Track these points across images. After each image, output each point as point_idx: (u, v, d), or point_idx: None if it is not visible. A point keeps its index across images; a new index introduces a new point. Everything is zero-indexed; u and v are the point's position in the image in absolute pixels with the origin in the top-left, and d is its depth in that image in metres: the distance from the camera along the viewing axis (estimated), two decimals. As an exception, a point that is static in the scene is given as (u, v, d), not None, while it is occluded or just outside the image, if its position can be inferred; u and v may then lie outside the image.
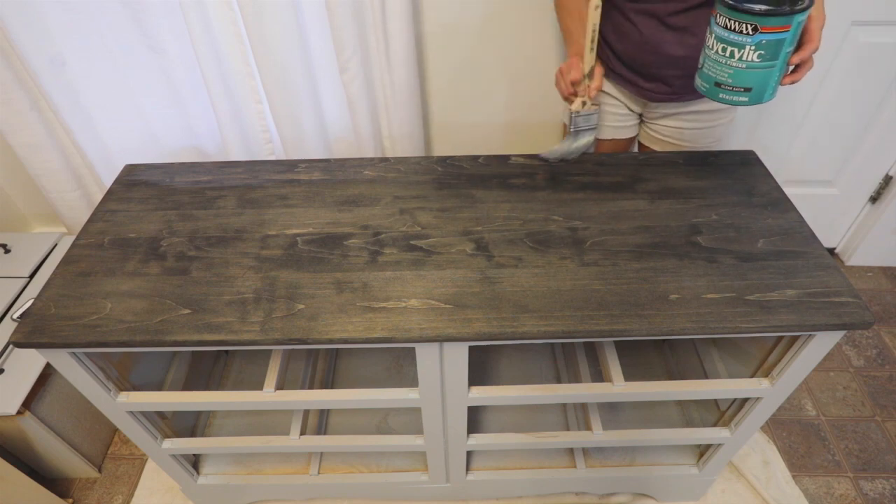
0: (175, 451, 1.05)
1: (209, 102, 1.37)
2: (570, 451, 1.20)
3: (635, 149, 1.31)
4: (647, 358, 1.35)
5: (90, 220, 0.93)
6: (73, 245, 0.89)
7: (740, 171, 1.00)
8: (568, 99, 0.99)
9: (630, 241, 0.87)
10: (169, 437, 1.04)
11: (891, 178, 1.61)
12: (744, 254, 0.84)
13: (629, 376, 0.90)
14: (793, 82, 0.79)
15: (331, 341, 0.75)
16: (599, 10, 0.90)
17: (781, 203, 0.93)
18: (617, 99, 1.16)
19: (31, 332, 0.76)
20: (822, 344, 0.81)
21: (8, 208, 1.69)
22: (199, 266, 0.85)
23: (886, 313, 1.67)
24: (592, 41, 0.92)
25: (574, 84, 0.96)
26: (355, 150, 1.48)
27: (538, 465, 1.18)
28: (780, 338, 0.87)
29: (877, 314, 1.67)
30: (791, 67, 0.78)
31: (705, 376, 1.15)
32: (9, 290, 1.30)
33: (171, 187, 1.00)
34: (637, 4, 0.98)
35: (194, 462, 1.18)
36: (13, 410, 1.09)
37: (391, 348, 1.36)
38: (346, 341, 0.75)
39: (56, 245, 1.43)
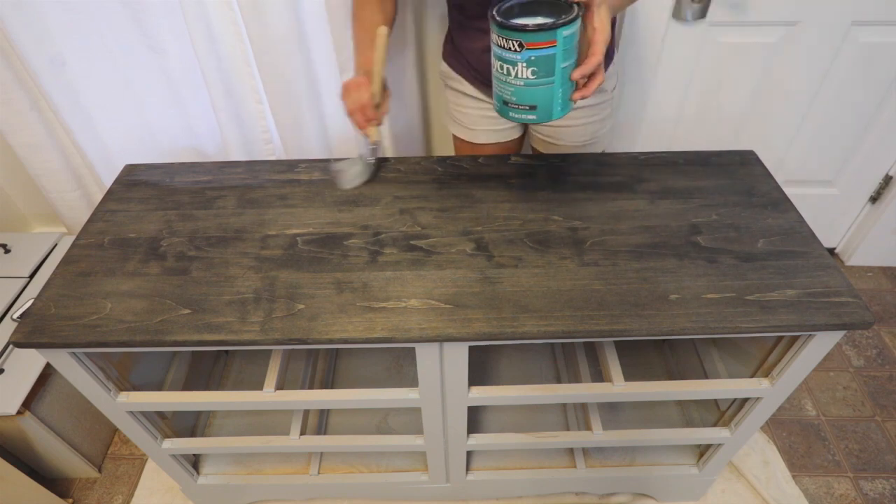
0: (175, 451, 1.05)
1: (209, 102, 1.37)
2: (570, 451, 1.20)
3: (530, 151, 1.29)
4: (647, 358, 1.35)
5: (90, 220, 0.93)
6: (73, 245, 0.89)
7: (740, 171, 1.00)
8: (359, 123, 0.93)
9: (630, 241, 0.87)
10: (169, 437, 1.04)
11: (891, 178, 1.61)
12: (744, 254, 0.84)
13: (629, 376, 0.90)
14: (583, 97, 0.75)
15: (331, 341, 0.75)
16: (385, 42, 0.88)
17: (781, 203, 0.93)
18: (485, 101, 1.13)
19: (31, 332, 0.76)
20: (822, 344, 0.81)
21: (8, 208, 1.69)
22: (199, 266, 0.85)
23: (886, 313, 1.67)
24: (380, 71, 0.90)
25: (363, 109, 0.91)
26: (355, 150, 1.48)
27: (538, 465, 1.18)
28: (780, 338, 0.87)
29: (877, 314, 1.67)
30: (583, 81, 0.74)
31: (705, 376, 1.15)
32: (9, 290, 1.30)
33: (171, 187, 1.00)
34: (470, 20, 0.98)
35: (194, 462, 1.18)
36: (13, 410, 1.09)
37: (391, 348, 1.36)
38: (346, 341, 0.75)
39: (56, 245, 1.43)
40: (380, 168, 1.02)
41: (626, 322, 0.75)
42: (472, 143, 1.20)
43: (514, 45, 0.69)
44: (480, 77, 1.08)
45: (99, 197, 1.52)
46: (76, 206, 1.53)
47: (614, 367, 0.92)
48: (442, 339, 0.76)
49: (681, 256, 0.84)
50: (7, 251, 1.40)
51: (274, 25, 1.22)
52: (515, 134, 1.20)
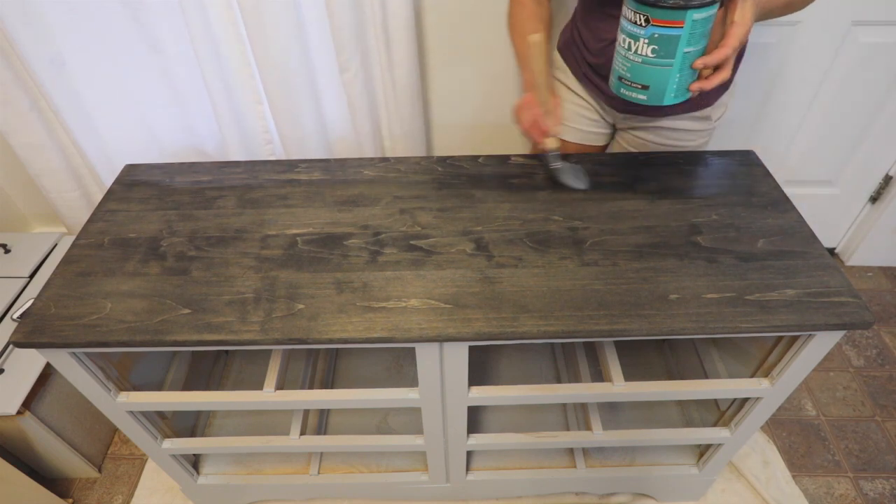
0: (175, 451, 1.05)
1: (209, 102, 1.37)
2: (570, 451, 1.20)
3: None
4: (647, 358, 1.35)
5: (90, 220, 0.93)
6: (73, 245, 0.89)
7: (740, 171, 1.00)
8: (536, 139, 0.94)
9: (630, 241, 0.87)
10: (169, 437, 1.04)
11: (891, 178, 1.61)
12: (744, 254, 0.84)
13: (629, 376, 0.90)
14: (700, 90, 0.73)
15: (331, 341, 0.75)
16: (542, 48, 0.85)
17: (781, 203, 0.93)
18: (587, 102, 1.12)
19: (31, 332, 0.76)
20: (822, 344, 0.81)
21: (8, 208, 1.69)
22: (199, 266, 0.85)
23: (886, 313, 1.67)
24: (544, 80, 0.88)
25: (536, 124, 0.91)
26: (355, 150, 1.48)
27: (538, 465, 1.18)
28: (780, 338, 0.87)
29: (877, 314, 1.67)
30: (708, 72, 0.72)
31: (705, 376, 1.15)
32: (9, 290, 1.30)
33: (171, 187, 1.00)
34: (609, 10, 0.94)
35: (194, 462, 1.18)
36: (13, 410, 1.09)
37: (391, 348, 1.36)
38: (346, 341, 0.75)
39: (56, 245, 1.43)
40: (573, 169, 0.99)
41: (626, 322, 0.75)
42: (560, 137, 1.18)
43: (640, 19, 0.68)
44: (592, 73, 1.05)
45: (99, 197, 1.52)
46: (76, 206, 1.53)
47: (614, 367, 0.92)
48: (442, 338, 0.76)
49: (681, 256, 0.84)
50: (7, 251, 1.40)
51: (274, 25, 1.22)
52: (601, 141, 1.18)
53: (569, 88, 1.13)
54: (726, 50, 0.69)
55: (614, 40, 0.91)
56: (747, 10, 0.68)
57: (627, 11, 0.70)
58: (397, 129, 1.43)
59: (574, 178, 0.97)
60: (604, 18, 0.97)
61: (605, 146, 1.21)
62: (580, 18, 1.05)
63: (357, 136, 1.44)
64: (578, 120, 1.15)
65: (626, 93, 0.76)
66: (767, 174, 0.99)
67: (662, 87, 0.73)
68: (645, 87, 0.74)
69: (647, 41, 0.69)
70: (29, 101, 1.31)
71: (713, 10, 0.67)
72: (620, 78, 0.76)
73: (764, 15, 0.77)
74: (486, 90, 1.47)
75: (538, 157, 1.04)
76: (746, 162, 1.02)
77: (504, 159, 1.04)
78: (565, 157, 0.98)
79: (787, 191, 0.98)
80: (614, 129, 1.18)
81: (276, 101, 1.36)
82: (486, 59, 1.41)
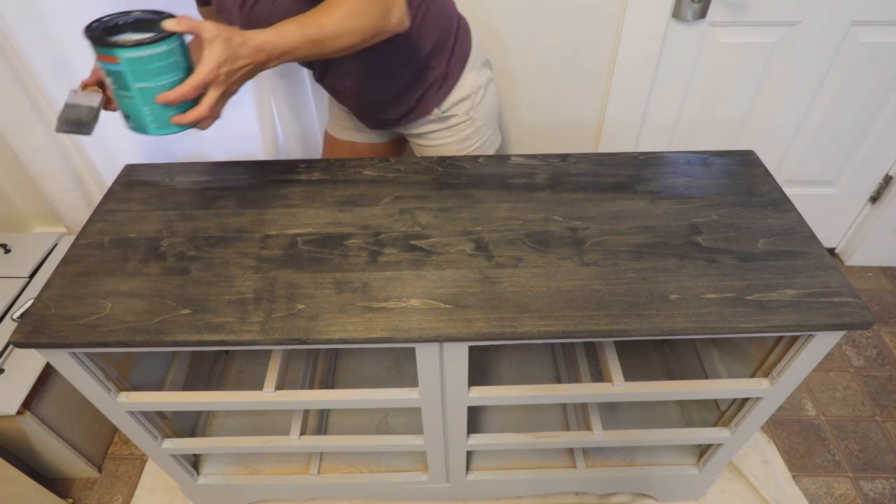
0: (175, 451, 1.05)
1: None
2: (570, 451, 1.20)
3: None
4: (647, 358, 1.35)
5: (90, 220, 0.93)
6: (73, 245, 0.89)
7: (740, 171, 1.00)
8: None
9: (630, 241, 0.87)
10: (169, 437, 1.04)
11: (891, 178, 1.61)
12: (744, 254, 0.84)
13: (629, 376, 0.90)
14: (180, 123, 0.75)
15: (331, 341, 0.75)
16: None
17: (781, 203, 0.93)
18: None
19: (31, 332, 0.76)
20: (822, 344, 0.81)
21: (8, 208, 1.69)
22: (199, 266, 0.85)
23: (886, 313, 1.67)
24: None
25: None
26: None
27: (538, 465, 1.18)
28: (780, 338, 0.87)
29: (877, 314, 1.67)
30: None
31: (705, 376, 1.15)
32: (9, 290, 1.30)
33: (171, 187, 1.00)
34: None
35: (194, 462, 1.18)
36: (13, 410, 1.09)
37: (391, 348, 1.36)
38: (346, 341, 0.75)
39: (56, 245, 1.43)
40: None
41: (626, 322, 0.75)
42: (354, 142, 1.26)
43: (94, 52, 0.71)
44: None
45: (99, 197, 1.52)
46: (76, 206, 1.53)
47: (614, 367, 0.92)
48: (442, 339, 0.76)
49: (681, 256, 0.84)
50: (7, 251, 1.40)
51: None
52: (387, 137, 1.25)
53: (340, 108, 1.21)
54: (184, 88, 0.71)
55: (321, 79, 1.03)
56: (214, 50, 0.70)
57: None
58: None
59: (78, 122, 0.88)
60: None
61: (392, 141, 1.28)
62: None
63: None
64: (349, 121, 1.22)
65: (129, 125, 0.78)
66: (767, 174, 0.99)
67: (139, 118, 0.76)
68: (126, 116, 0.77)
69: (105, 72, 0.72)
70: (29, 101, 1.31)
71: (159, 48, 0.70)
72: (125, 115, 0.78)
73: (282, 56, 0.77)
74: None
75: (536, 157, 1.04)
76: (746, 162, 1.02)
77: (504, 159, 1.04)
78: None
79: (787, 191, 0.98)
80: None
81: (276, 100, 1.36)
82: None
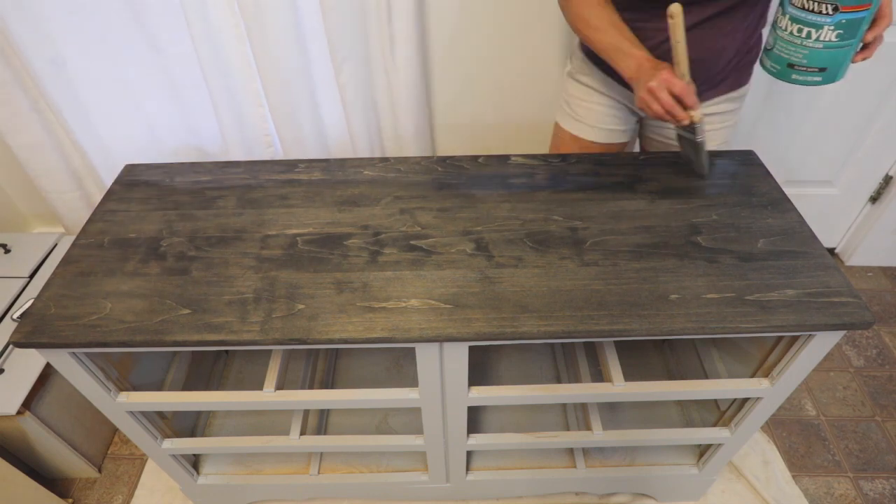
0: (175, 451, 1.05)
1: (210, 102, 1.37)
2: (570, 451, 1.20)
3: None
4: (647, 358, 1.35)
5: (90, 220, 0.93)
6: (73, 245, 0.89)
7: (740, 171, 1.00)
8: (680, 116, 0.86)
9: (630, 241, 0.87)
10: (169, 437, 1.04)
11: (891, 178, 1.61)
12: (744, 254, 0.84)
13: (629, 376, 0.90)
14: (864, 59, 0.78)
15: (331, 341, 0.75)
16: (679, 20, 0.80)
17: (781, 203, 0.93)
18: (616, 100, 1.10)
19: (31, 332, 0.76)
20: (822, 344, 0.81)
21: (8, 208, 1.69)
22: (199, 266, 0.85)
23: (886, 313, 1.67)
24: (684, 50, 0.83)
25: (684, 95, 0.84)
26: (353, 152, 1.48)
27: (538, 465, 1.18)
28: (780, 338, 0.87)
29: (877, 314, 1.67)
30: (861, 45, 0.78)
31: (705, 376, 1.15)
32: (9, 290, 1.30)
33: (171, 187, 1.00)
34: (652, 11, 0.91)
35: (194, 462, 1.18)
36: (13, 410, 1.09)
37: (391, 348, 1.36)
38: (346, 341, 0.75)
39: (56, 245, 1.43)
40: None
41: (626, 322, 0.75)
42: (586, 139, 1.17)
43: (825, 9, 0.72)
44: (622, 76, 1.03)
45: (99, 197, 1.52)
46: (76, 206, 1.53)
47: (614, 367, 0.92)
48: (442, 339, 0.76)
49: (681, 256, 0.84)
50: (7, 251, 1.40)
51: (274, 26, 1.22)
52: (627, 138, 1.18)
53: (597, 91, 1.11)
54: (887, 19, 0.75)
55: (662, 41, 0.91)
56: None
57: (805, 2, 0.73)
58: (403, 130, 1.43)
59: (705, 161, 0.95)
60: (649, 17, 0.93)
61: (627, 143, 1.20)
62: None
63: (352, 137, 1.44)
64: (609, 120, 1.13)
65: (798, 77, 0.79)
66: (767, 174, 0.99)
67: (838, 67, 0.77)
68: (822, 70, 0.78)
69: (832, 27, 0.73)
70: (29, 101, 1.31)
71: None
72: (791, 65, 0.79)
73: None
74: (487, 90, 1.47)
75: (536, 157, 1.04)
76: (746, 162, 1.02)
77: (504, 159, 1.04)
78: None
79: (787, 191, 0.98)
80: (638, 124, 1.17)
81: (276, 101, 1.36)
82: (487, 58, 1.41)
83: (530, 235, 0.88)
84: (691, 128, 0.89)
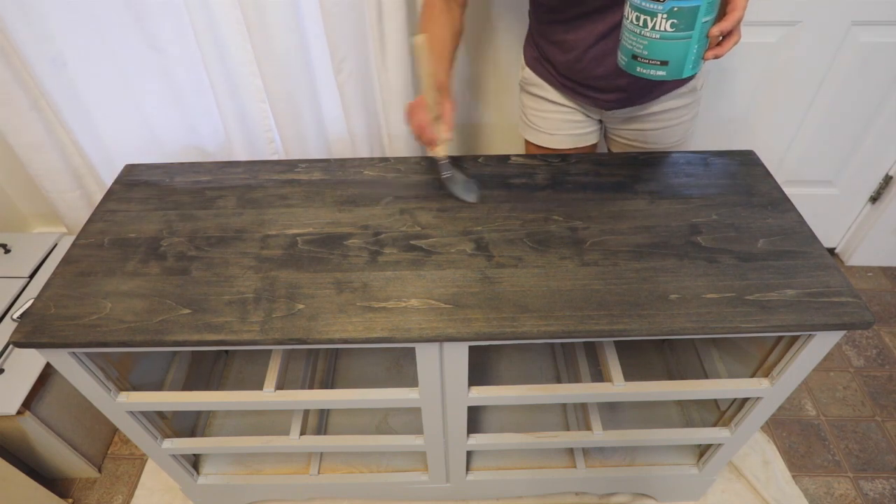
0: (175, 451, 1.05)
1: (212, 102, 1.37)
2: (570, 451, 1.20)
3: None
4: (647, 358, 1.35)
5: (90, 220, 0.93)
6: (73, 245, 0.89)
7: (740, 171, 1.00)
8: (427, 144, 0.90)
9: (630, 241, 0.87)
10: (169, 437, 1.04)
11: (891, 178, 1.61)
12: (744, 254, 0.84)
13: (629, 376, 0.90)
14: (716, 57, 0.73)
15: (331, 341, 0.75)
16: (425, 51, 0.81)
17: (781, 203, 0.93)
18: (569, 107, 1.11)
19: (31, 332, 0.76)
20: (822, 344, 0.81)
21: (8, 208, 1.69)
22: (199, 266, 0.85)
23: (886, 313, 1.67)
24: (431, 83, 0.84)
25: (424, 129, 0.87)
26: (354, 151, 1.48)
27: (538, 465, 1.18)
28: (780, 338, 0.87)
29: (877, 314, 1.67)
30: (717, 40, 0.73)
31: (705, 376, 1.15)
32: (9, 290, 1.30)
33: (171, 187, 1.00)
34: (571, 22, 0.94)
35: (194, 462, 1.18)
36: (13, 410, 1.09)
37: (391, 348, 1.36)
38: (346, 341, 0.75)
39: (56, 245, 1.43)
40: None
41: (626, 322, 0.75)
42: (549, 148, 1.18)
43: None
44: (568, 83, 1.06)
45: (99, 197, 1.52)
46: (76, 206, 1.53)
47: (614, 367, 0.92)
48: (442, 339, 0.76)
49: (681, 256, 0.84)
50: (7, 251, 1.40)
51: (275, 25, 1.22)
52: (593, 139, 1.18)
53: (550, 101, 1.12)
54: (739, 13, 0.70)
55: (587, 48, 0.92)
56: None
57: None
58: (395, 130, 1.43)
59: (464, 190, 0.95)
60: (567, 29, 0.96)
61: (597, 143, 1.21)
62: (539, 35, 1.04)
63: (351, 136, 1.44)
64: (566, 127, 1.14)
65: (643, 70, 0.75)
66: (767, 174, 0.99)
67: (681, 61, 0.72)
68: (664, 63, 0.73)
69: (665, 16, 0.69)
70: (29, 100, 1.31)
71: None
72: (635, 56, 0.74)
73: None
74: (487, 90, 1.47)
75: (536, 157, 1.04)
76: (746, 162, 1.02)
77: (504, 159, 1.04)
78: (456, 166, 0.97)
79: (787, 191, 0.98)
80: (601, 123, 1.17)
81: (277, 101, 1.36)
82: (486, 58, 1.41)
83: (530, 235, 0.88)
84: (437, 161, 0.92)
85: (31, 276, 1.35)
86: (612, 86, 1.01)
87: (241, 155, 1.45)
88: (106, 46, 1.27)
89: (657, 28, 0.70)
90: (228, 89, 1.33)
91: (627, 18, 0.73)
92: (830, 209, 1.72)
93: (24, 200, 1.70)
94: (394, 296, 0.79)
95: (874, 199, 1.67)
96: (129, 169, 1.04)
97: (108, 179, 1.43)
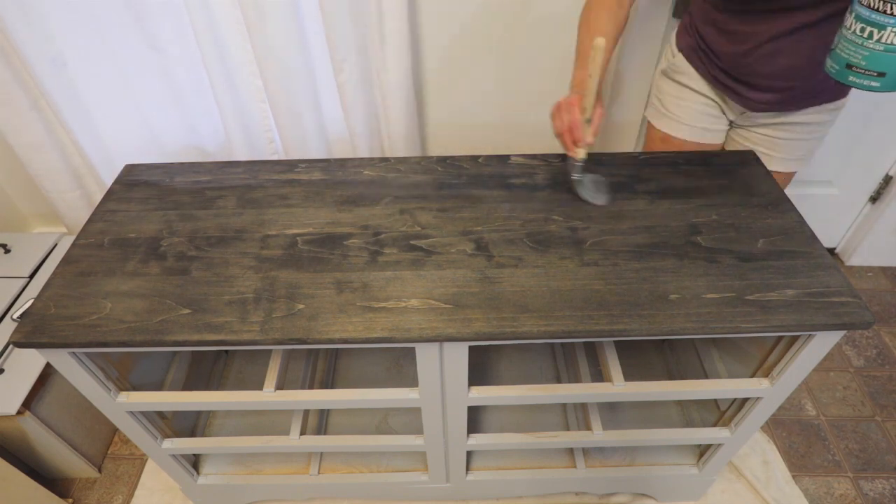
0: (175, 451, 1.05)
1: (212, 102, 1.37)
2: (570, 451, 1.20)
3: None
4: (647, 358, 1.35)
5: (90, 220, 0.93)
6: (73, 245, 0.89)
7: (740, 171, 1.00)
8: (567, 145, 0.90)
9: (630, 241, 0.87)
10: (169, 437, 1.04)
11: (891, 178, 1.61)
12: (744, 254, 0.84)
13: (629, 376, 0.90)
14: None
15: (331, 341, 0.75)
16: (604, 54, 0.80)
17: (781, 203, 0.93)
18: (712, 100, 1.08)
19: (31, 332, 0.76)
20: (821, 344, 0.81)
21: (8, 208, 1.69)
22: (199, 266, 0.85)
23: (886, 313, 1.67)
24: (595, 87, 0.83)
25: (572, 130, 0.87)
26: (354, 151, 1.48)
27: (538, 465, 1.18)
28: (780, 338, 0.87)
29: (877, 314, 1.67)
30: None
31: (705, 376, 1.15)
32: (9, 290, 1.30)
33: (171, 187, 1.00)
34: (755, 14, 0.90)
35: (194, 462, 1.18)
36: (13, 410, 1.09)
37: (391, 348, 1.36)
38: (346, 341, 0.75)
39: (56, 245, 1.43)
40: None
41: (626, 322, 0.75)
42: (677, 137, 1.15)
43: (891, 9, 0.67)
44: (723, 77, 1.02)
45: (99, 197, 1.52)
46: (76, 206, 1.53)
47: (614, 367, 0.92)
48: (442, 339, 0.76)
49: (681, 256, 0.84)
50: (7, 251, 1.40)
51: (275, 25, 1.22)
52: (720, 139, 1.15)
53: (692, 90, 1.09)
54: None
55: (761, 43, 0.90)
56: None
57: (874, 1, 0.69)
58: (394, 130, 1.43)
59: (594, 193, 0.94)
60: (746, 20, 0.92)
61: (721, 146, 1.18)
62: (707, 23, 1.00)
63: (352, 136, 1.44)
64: (702, 119, 1.11)
65: (856, 80, 0.75)
66: (767, 174, 0.99)
67: None
68: (881, 75, 0.73)
69: (895, 29, 0.69)
70: (29, 100, 1.31)
71: None
72: (850, 66, 0.75)
73: None
74: (486, 90, 1.47)
75: (536, 157, 1.04)
76: (746, 162, 1.02)
77: (504, 159, 1.04)
78: (590, 168, 0.95)
79: (787, 191, 0.98)
80: (730, 125, 1.14)
81: (277, 101, 1.36)
82: (486, 58, 1.41)
83: (530, 235, 0.88)
84: (572, 162, 0.92)
85: (31, 276, 1.35)
86: (772, 86, 0.97)
87: (241, 155, 1.45)
88: (106, 46, 1.27)
89: (883, 41, 0.71)
90: (228, 89, 1.33)
91: (849, 29, 0.73)
92: (830, 209, 1.72)
93: (24, 200, 1.70)
94: (394, 296, 0.79)
95: (874, 199, 1.67)
96: (129, 169, 1.04)
97: (108, 179, 1.43)
